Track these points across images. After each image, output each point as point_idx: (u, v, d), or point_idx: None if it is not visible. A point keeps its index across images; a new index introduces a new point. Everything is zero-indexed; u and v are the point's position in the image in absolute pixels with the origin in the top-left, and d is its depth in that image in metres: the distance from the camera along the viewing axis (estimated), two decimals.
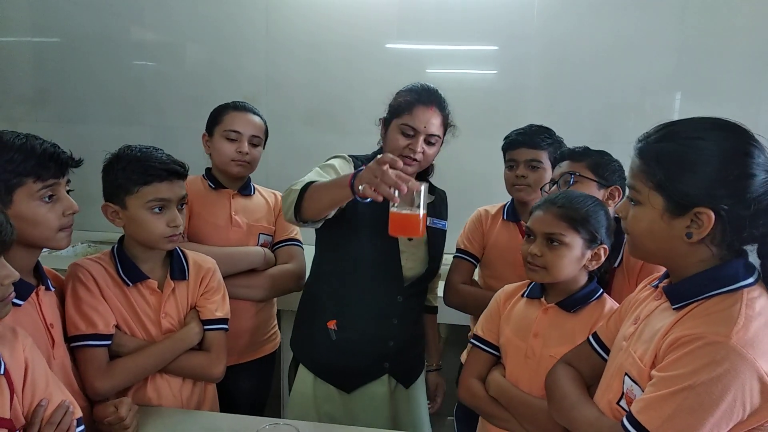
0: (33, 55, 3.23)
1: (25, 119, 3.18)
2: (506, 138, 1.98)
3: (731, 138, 1.00)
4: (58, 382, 1.24)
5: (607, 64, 2.80)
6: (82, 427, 1.23)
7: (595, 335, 1.32)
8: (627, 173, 1.10)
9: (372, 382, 1.77)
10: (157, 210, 1.47)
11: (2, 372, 1.10)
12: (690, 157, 0.98)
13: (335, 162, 1.70)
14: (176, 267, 1.58)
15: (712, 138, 0.99)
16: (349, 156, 1.76)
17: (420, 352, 1.96)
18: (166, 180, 1.47)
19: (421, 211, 1.34)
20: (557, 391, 1.25)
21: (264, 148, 2.05)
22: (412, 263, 1.77)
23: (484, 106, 2.88)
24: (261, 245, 2.01)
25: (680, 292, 1.04)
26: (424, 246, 1.80)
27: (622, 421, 1.00)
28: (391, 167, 1.29)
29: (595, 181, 1.67)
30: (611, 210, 1.53)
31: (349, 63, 2.98)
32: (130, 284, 1.51)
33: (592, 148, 1.76)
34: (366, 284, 1.73)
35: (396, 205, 1.32)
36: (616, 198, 1.69)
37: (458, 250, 2.04)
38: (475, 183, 2.79)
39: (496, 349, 1.56)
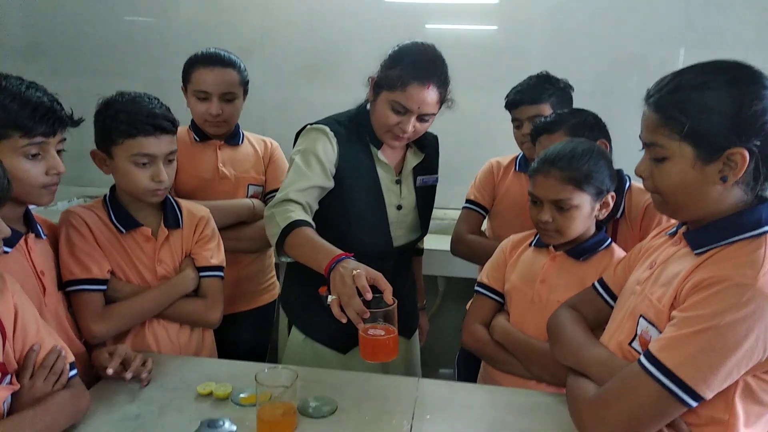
0: (23, 7, 3.16)
1: (17, 72, 3.12)
2: (507, 97, 1.95)
3: (746, 76, 0.98)
4: (49, 328, 1.23)
5: (610, 18, 2.74)
6: (74, 371, 1.22)
7: (601, 281, 1.32)
8: (642, 130, 1.06)
9: (345, 372, 1.66)
10: (142, 164, 1.44)
11: None
12: (713, 100, 0.96)
13: (318, 147, 1.57)
14: (170, 215, 1.56)
15: (728, 78, 0.97)
16: (330, 126, 1.62)
17: (413, 303, 1.93)
18: (152, 135, 1.43)
19: (395, 328, 1.26)
20: (563, 333, 1.25)
21: (245, 97, 1.95)
22: (402, 231, 1.73)
23: (484, 61, 2.83)
24: (250, 197, 1.96)
25: (702, 238, 1.03)
26: (414, 211, 1.75)
27: (639, 360, 0.99)
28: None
29: None
30: None
31: (347, 16, 2.91)
32: (124, 231, 1.50)
33: (582, 107, 1.72)
34: (356, 254, 1.65)
35: (366, 320, 1.23)
36: (607, 149, 1.67)
37: (467, 200, 2.04)
38: (475, 138, 2.76)
39: (501, 296, 1.56)
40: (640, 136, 1.07)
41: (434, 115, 1.59)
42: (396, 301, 1.26)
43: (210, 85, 1.84)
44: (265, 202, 1.97)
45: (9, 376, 1.10)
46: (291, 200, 1.49)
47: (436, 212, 1.87)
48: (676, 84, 1.00)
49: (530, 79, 1.94)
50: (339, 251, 1.35)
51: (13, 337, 1.13)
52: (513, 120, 1.95)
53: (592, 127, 1.65)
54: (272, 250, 2.08)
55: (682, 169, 1.00)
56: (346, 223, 1.63)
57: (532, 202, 1.46)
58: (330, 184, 1.58)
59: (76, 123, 1.34)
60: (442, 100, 1.58)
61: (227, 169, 1.93)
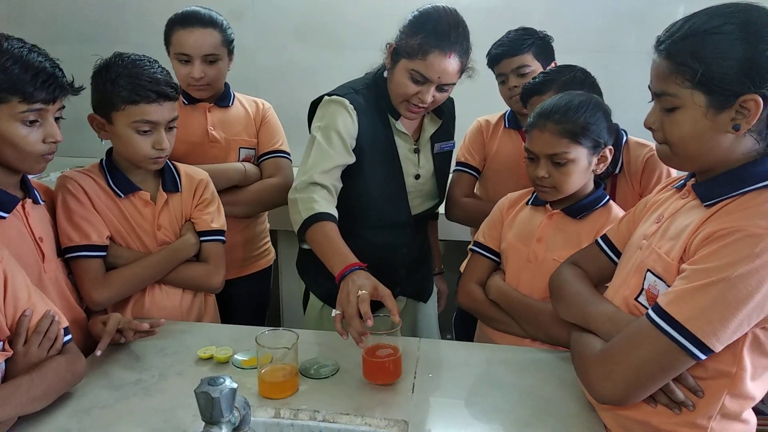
0: None
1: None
2: (487, 54, 1.90)
3: (759, 18, 0.94)
4: (41, 294, 1.21)
5: None
6: (69, 337, 1.21)
7: (604, 237, 1.30)
8: (651, 80, 1.03)
9: (383, 307, 1.71)
10: (143, 131, 1.41)
11: None
12: (726, 45, 0.92)
13: (339, 122, 1.54)
14: (168, 179, 1.54)
15: (741, 21, 0.93)
16: (349, 98, 1.57)
17: (429, 268, 1.93)
18: (155, 102, 1.39)
19: (399, 348, 1.25)
20: (567, 289, 1.24)
21: (231, 58, 1.88)
22: (420, 199, 1.72)
23: (484, 21, 2.76)
24: (242, 161, 1.91)
25: (712, 190, 1.01)
26: (432, 179, 1.74)
27: (647, 314, 0.98)
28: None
29: None
30: None
31: None
32: (122, 196, 1.48)
33: (577, 65, 1.69)
34: (374, 223, 1.66)
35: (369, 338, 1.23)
36: None
37: (458, 163, 1.98)
38: (474, 96, 2.72)
39: (497, 255, 1.55)
40: (649, 87, 1.04)
41: (454, 84, 1.55)
42: (401, 323, 1.25)
43: (190, 48, 1.77)
44: (258, 165, 1.94)
45: (1, 343, 1.09)
46: (316, 183, 1.47)
47: None
48: (687, 29, 0.96)
49: (508, 33, 1.90)
50: (353, 260, 1.35)
51: (4, 303, 1.12)
52: (497, 75, 1.91)
53: (582, 82, 1.62)
54: (265, 216, 2.08)
55: (694, 118, 0.97)
56: (366, 195, 1.62)
57: (529, 158, 1.44)
58: (351, 159, 1.55)
59: (77, 91, 1.31)
60: (463, 69, 1.53)
61: (217, 132, 1.87)
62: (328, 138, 1.53)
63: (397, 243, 1.71)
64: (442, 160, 1.76)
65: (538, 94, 1.63)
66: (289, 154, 1.97)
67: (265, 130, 1.97)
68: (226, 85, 1.93)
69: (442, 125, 1.72)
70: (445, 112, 1.73)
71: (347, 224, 1.60)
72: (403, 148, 1.66)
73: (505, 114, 1.97)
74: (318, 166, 1.49)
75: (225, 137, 1.89)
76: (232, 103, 1.94)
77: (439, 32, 1.46)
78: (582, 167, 1.39)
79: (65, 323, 1.21)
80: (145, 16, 2.94)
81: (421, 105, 1.53)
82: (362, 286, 1.26)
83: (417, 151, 1.69)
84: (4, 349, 1.09)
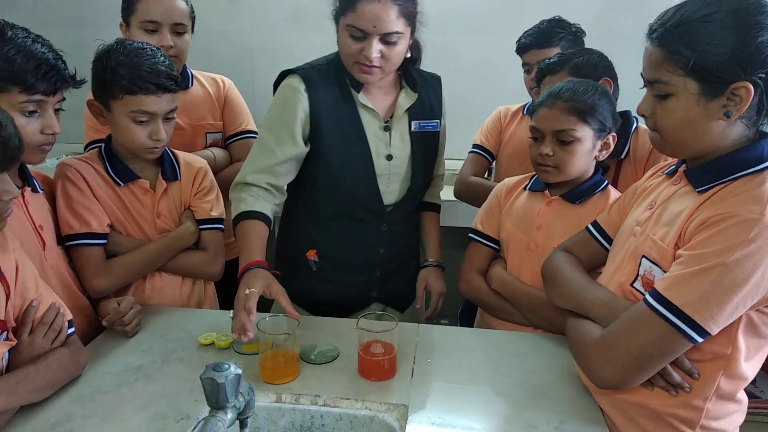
0: None
1: None
2: (518, 42, 1.93)
3: (750, 5, 0.94)
4: (47, 286, 1.22)
5: None
6: (72, 329, 1.22)
7: (595, 224, 1.31)
8: (644, 67, 1.03)
9: (359, 311, 1.62)
10: (140, 121, 1.40)
11: None
12: (717, 33, 0.93)
13: (286, 110, 1.47)
14: (167, 167, 1.54)
15: (732, 9, 0.94)
16: (301, 73, 1.49)
17: (412, 277, 1.71)
18: (154, 93, 1.38)
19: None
20: (561, 276, 1.25)
21: (193, 32, 1.81)
22: (394, 186, 1.58)
23: (482, 4, 2.76)
24: (210, 146, 1.85)
25: (704, 175, 1.02)
26: (408, 162, 1.58)
27: (645, 299, 1.00)
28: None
29: None
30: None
31: None
32: (121, 184, 1.47)
33: (584, 46, 1.70)
34: (346, 217, 1.57)
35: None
36: (610, 89, 1.64)
37: (474, 145, 2.04)
38: (471, 81, 2.71)
39: (496, 242, 1.56)
40: (642, 74, 1.05)
41: (400, 34, 1.40)
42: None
43: (159, 14, 1.70)
44: (229, 148, 1.88)
45: (5, 333, 1.10)
46: (247, 183, 1.45)
47: None
48: (679, 17, 0.97)
49: (541, 23, 1.91)
50: (256, 258, 1.33)
51: (14, 293, 1.13)
52: (523, 65, 1.93)
53: (597, 65, 1.63)
54: None
55: (686, 105, 0.98)
56: (330, 177, 1.52)
57: (533, 138, 1.44)
58: (300, 150, 1.49)
59: (78, 84, 1.30)
60: (407, 15, 1.40)
61: (180, 118, 1.77)
62: (274, 131, 1.48)
63: (371, 240, 1.60)
64: (423, 141, 1.59)
65: (552, 74, 1.65)
66: (256, 133, 1.90)
67: (230, 110, 1.91)
68: (184, 65, 1.85)
69: (421, 102, 1.58)
70: (424, 87, 1.59)
71: (314, 215, 1.60)
72: (372, 125, 1.52)
73: (525, 104, 2.01)
74: (253, 164, 1.47)
75: (189, 123, 1.83)
76: (192, 84, 1.87)
77: None
78: (586, 149, 1.39)
79: (69, 316, 1.22)
80: None
81: (370, 64, 1.41)
82: (253, 284, 1.26)
83: (387, 128, 1.54)
84: (8, 339, 1.10)
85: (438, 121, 1.62)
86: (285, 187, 1.52)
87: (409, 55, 1.51)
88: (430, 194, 1.76)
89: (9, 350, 1.11)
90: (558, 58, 1.66)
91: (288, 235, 1.70)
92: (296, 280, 1.59)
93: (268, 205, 1.46)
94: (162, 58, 1.42)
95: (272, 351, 1.23)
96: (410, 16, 1.42)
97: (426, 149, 1.61)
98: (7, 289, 1.10)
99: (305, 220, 1.63)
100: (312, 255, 1.57)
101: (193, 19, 1.81)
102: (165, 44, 1.72)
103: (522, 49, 1.91)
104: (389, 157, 1.54)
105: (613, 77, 1.65)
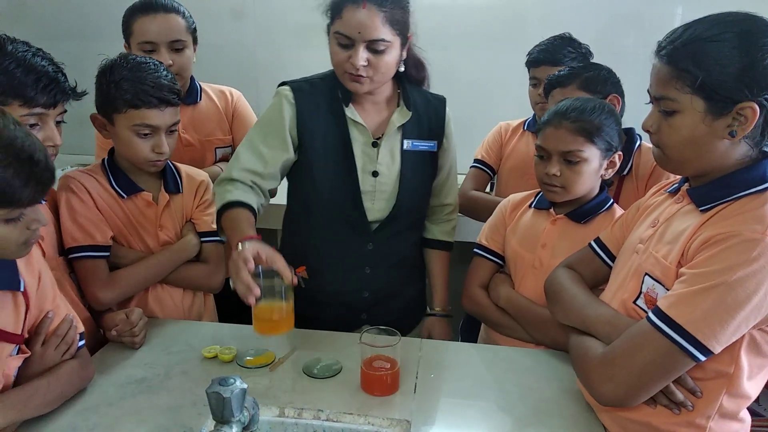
0: None
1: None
2: (529, 54, 1.94)
3: (758, 28, 0.96)
4: (63, 296, 1.23)
5: None
6: (82, 342, 1.23)
7: (597, 241, 1.32)
8: (651, 84, 1.04)
9: (350, 333, 1.54)
10: (143, 134, 1.42)
11: (21, 290, 1.09)
12: (726, 52, 0.95)
13: (276, 115, 1.48)
14: (170, 180, 1.55)
15: (741, 30, 0.96)
16: (292, 85, 1.51)
17: (408, 302, 1.66)
18: (157, 107, 1.40)
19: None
20: (564, 293, 1.25)
21: (196, 46, 1.80)
22: (380, 204, 1.53)
23: (481, 18, 2.79)
24: (219, 161, 1.85)
25: (707, 194, 1.03)
26: (396, 180, 1.53)
27: (648, 317, 1.00)
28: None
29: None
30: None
31: None
32: (125, 196, 1.48)
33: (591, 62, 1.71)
34: (330, 232, 1.55)
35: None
36: (617, 106, 1.66)
37: (475, 160, 2.06)
38: (471, 97, 2.73)
39: (500, 258, 1.56)
40: (648, 90, 1.06)
41: (387, 42, 1.37)
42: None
43: (155, 35, 1.70)
44: None
45: (18, 347, 1.10)
46: (233, 180, 1.43)
47: None
48: (688, 36, 0.98)
49: (554, 40, 1.92)
50: (250, 233, 1.30)
51: (33, 305, 1.14)
52: (531, 78, 1.94)
53: (606, 81, 1.65)
54: None
55: (692, 122, 0.99)
56: (314, 190, 1.51)
57: (539, 156, 1.44)
58: (288, 155, 1.48)
59: (79, 96, 1.31)
60: (394, 23, 1.38)
61: (190, 134, 1.80)
62: (261, 133, 1.49)
63: (357, 258, 1.56)
64: (414, 160, 1.54)
65: (561, 86, 1.66)
66: None
67: (239, 123, 1.90)
68: (192, 78, 1.85)
69: (418, 121, 1.54)
70: (422, 107, 1.56)
71: (303, 230, 1.58)
72: (359, 140, 1.51)
73: (526, 120, 2.03)
74: (238, 163, 1.46)
75: (198, 138, 1.83)
76: (200, 98, 1.88)
77: None
78: (593, 168, 1.39)
79: (82, 328, 1.23)
80: None
81: (357, 72, 1.39)
82: (248, 247, 1.23)
83: (376, 144, 1.51)
84: (21, 351, 1.10)
85: (435, 142, 1.58)
86: (268, 191, 1.51)
87: (402, 69, 1.50)
88: (441, 230, 1.68)
89: None
90: (569, 71, 1.67)
91: (282, 249, 1.68)
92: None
93: (254, 199, 1.43)
94: (165, 72, 1.44)
95: (267, 303, 1.22)
96: (398, 25, 1.40)
97: (418, 169, 1.57)
98: (27, 305, 1.11)
99: (295, 235, 1.63)
100: (301, 271, 1.55)
101: (193, 33, 1.80)
102: (163, 63, 1.71)
103: (534, 63, 1.91)
104: (375, 174, 1.52)
105: (621, 94, 1.66)
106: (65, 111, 1.30)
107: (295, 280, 1.23)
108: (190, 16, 1.80)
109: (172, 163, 1.58)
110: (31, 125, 1.23)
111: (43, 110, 1.23)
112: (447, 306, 1.67)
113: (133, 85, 1.38)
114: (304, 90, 1.50)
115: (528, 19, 2.76)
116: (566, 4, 2.74)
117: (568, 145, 1.37)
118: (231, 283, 1.21)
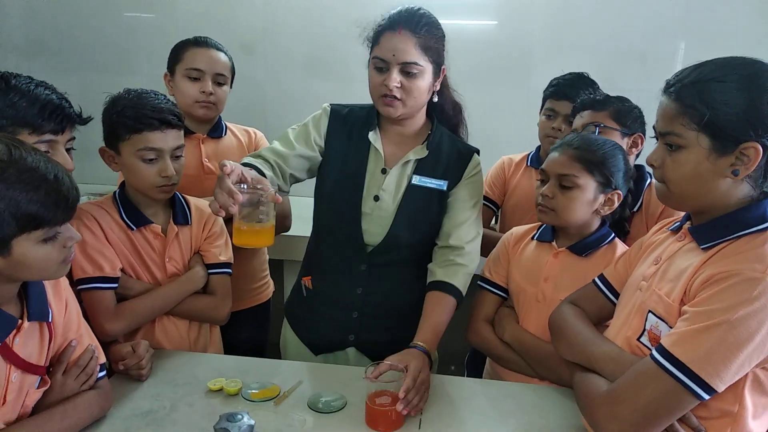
0: (25, 4, 3.14)
1: (18, 69, 3.14)
2: (552, 85, 1.93)
3: (764, 72, 0.99)
4: (87, 325, 1.25)
5: (610, 13, 2.75)
6: (104, 373, 1.24)
7: (601, 277, 1.33)
8: (658, 120, 1.07)
9: (336, 351, 1.63)
10: (148, 159, 1.45)
11: (50, 320, 1.11)
12: (732, 93, 0.97)
13: (311, 121, 1.61)
14: (179, 212, 1.57)
15: (748, 74, 0.99)
16: (333, 105, 1.63)
17: (396, 335, 1.50)
18: (158, 129, 1.43)
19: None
20: (568, 329, 1.26)
21: (231, 87, 1.93)
22: (377, 228, 1.55)
23: (485, 56, 2.83)
24: None
25: (709, 233, 1.05)
26: (394, 207, 1.55)
27: (651, 355, 1.01)
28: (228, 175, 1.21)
29: (618, 130, 1.65)
30: (632, 159, 1.51)
31: (348, 8, 2.87)
32: (134, 228, 1.50)
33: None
34: (330, 247, 1.62)
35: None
36: (639, 146, 1.68)
37: None
38: (474, 133, 2.76)
39: (504, 290, 1.57)
40: (654, 126, 1.09)
41: (419, 66, 1.44)
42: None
43: (204, 64, 1.85)
44: None
45: (40, 378, 1.12)
46: (259, 155, 1.53)
47: None
48: (696, 76, 1.01)
49: (576, 77, 1.91)
50: None
51: (57, 334, 1.16)
52: (547, 109, 1.92)
53: (636, 118, 1.67)
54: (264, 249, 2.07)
55: (696, 159, 1.01)
56: (323, 202, 1.62)
57: (541, 181, 1.47)
58: (312, 153, 1.58)
59: (85, 121, 1.35)
60: (426, 49, 1.45)
61: (212, 163, 1.89)
62: (296, 132, 1.59)
63: (350, 278, 1.58)
64: (419, 196, 1.55)
65: (593, 109, 1.67)
66: None
67: None
68: (219, 117, 1.96)
69: (435, 160, 1.56)
70: (449, 150, 1.58)
71: (313, 246, 1.70)
72: (372, 164, 1.57)
73: (529, 154, 2.03)
74: (269, 147, 1.56)
75: None
76: (225, 134, 1.97)
77: (389, 16, 1.49)
78: (587, 198, 1.41)
79: (103, 359, 1.25)
80: (155, 46, 3.02)
81: (391, 94, 1.46)
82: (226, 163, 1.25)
83: (385, 171, 1.56)
84: (43, 381, 1.12)
85: (446, 182, 1.56)
86: (289, 181, 1.57)
87: (436, 99, 1.56)
88: (446, 272, 1.52)
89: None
90: (605, 97, 1.69)
91: (304, 257, 1.76)
92: (293, 303, 1.72)
93: (270, 174, 1.48)
94: (164, 98, 1.49)
95: (248, 215, 1.25)
96: (431, 52, 1.47)
97: (421, 205, 1.56)
98: (52, 334, 1.13)
99: (311, 242, 1.72)
100: (306, 281, 1.63)
101: (233, 74, 1.93)
102: (206, 90, 1.84)
103: (555, 94, 1.88)
104: (376, 198, 1.56)
105: (644, 134, 1.68)
106: (74, 138, 1.33)
107: (279, 198, 1.27)
108: (232, 60, 1.93)
109: (182, 195, 1.61)
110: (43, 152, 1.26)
111: (52, 137, 1.26)
112: (431, 345, 1.43)
113: (134, 111, 1.42)
114: (341, 112, 1.62)
115: (534, 54, 2.81)
116: (571, 41, 2.79)
117: (564, 169, 1.40)
118: (213, 197, 1.22)
